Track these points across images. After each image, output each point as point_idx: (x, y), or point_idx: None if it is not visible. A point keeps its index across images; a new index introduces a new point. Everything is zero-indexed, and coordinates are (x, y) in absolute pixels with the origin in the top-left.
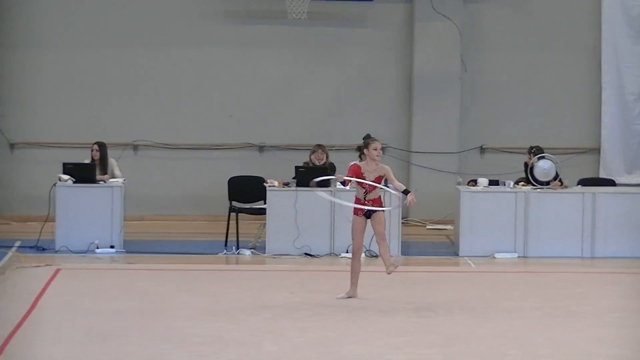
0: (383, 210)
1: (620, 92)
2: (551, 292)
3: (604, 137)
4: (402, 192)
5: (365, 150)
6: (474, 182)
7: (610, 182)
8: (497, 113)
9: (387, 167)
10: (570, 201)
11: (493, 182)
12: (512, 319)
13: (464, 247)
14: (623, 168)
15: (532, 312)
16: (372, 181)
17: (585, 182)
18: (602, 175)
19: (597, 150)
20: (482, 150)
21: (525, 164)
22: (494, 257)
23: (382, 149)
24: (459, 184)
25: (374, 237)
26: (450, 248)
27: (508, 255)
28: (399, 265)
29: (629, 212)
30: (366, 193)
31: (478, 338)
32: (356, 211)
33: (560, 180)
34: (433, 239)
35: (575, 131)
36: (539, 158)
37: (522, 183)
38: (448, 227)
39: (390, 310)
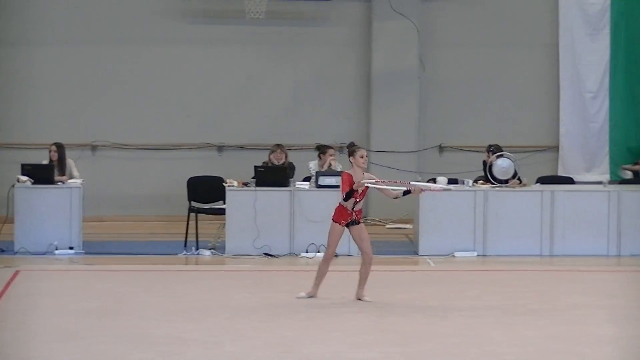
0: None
1: (578, 90)
2: (510, 290)
3: (563, 135)
4: (403, 194)
5: (351, 159)
6: (433, 181)
7: (569, 180)
8: (455, 111)
9: (372, 175)
10: (529, 199)
11: (452, 181)
12: (471, 317)
13: (423, 246)
14: (582, 166)
15: (492, 311)
16: (362, 190)
17: (544, 180)
18: (561, 173)
19: (555, 149)
20: (441, 148)
21: (484, 163)
22: (454, 256)
23: (366, 156)
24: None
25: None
26: (409, 247)
27: (467, 254)
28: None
29: (587, 210)
30: (355, 203)
31: (438, 337)
32: (338, 219)
33: (519, 179)
34: (393, 238)
35: (534, 129)
36: (498, 156)
37: (481, 181)
38: (408, 226)
39: (349, 309)
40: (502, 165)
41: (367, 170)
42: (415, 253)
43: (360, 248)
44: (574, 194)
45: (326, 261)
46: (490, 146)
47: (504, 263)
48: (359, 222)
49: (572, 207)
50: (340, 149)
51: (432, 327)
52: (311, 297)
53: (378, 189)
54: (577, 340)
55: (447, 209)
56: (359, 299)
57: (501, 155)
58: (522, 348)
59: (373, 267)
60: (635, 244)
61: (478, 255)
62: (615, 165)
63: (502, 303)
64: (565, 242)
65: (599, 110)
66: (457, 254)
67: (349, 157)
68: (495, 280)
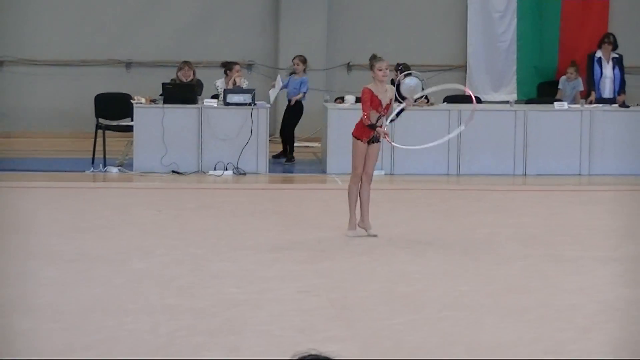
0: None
1: (486, 9)
2: (418, 210)
3: (470, 54)
4: (396, 113)
5: (371, 72)
6: (341, 100)
7: (476, 99)
8: (364, 30)
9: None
10: (436, 118)
11: (359, 100)
12: (373, 238)
13: (331, 164)
14: (489, 85)
15: (395, 229)
16: (387, 104)
17: (450, 100)
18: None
19: (463, 68)
20: (350, 67)
21: (392, 81)
22: None
23: (387, 68)
24: (326, 101)
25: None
26: (317, 165)
27: (375, 172)
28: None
29: (494, 129)
30: (379, 118)
31: (345, 254)
32: (360, 134)
33: (426, 98)
34: (300, 157)
35: (442, 48)
36: (406, 75)
37: None
38: (315, 144)
39: (259, 228)
40: (409, 84)
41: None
42: (323, 171)
43: (364, 166)
44: (481, 113)
45: (355, 183)
46: (398, 64)
47: (410, 182)
48: (378, 141)
49: (479, 126)
50: (248, 66)
51: (339, 245)
52: (353, 232)
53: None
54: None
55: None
56: (364, 229)
57: (409, 74)
58: (427, 274)
59: (280, 185)
60: (541, 164)
61: (386, 173)
62: (522, 84)
63: (408, 225)
64: (472, 161)
65: (507, 29)
66: None
67: (370, 70)
68: (402, 199)
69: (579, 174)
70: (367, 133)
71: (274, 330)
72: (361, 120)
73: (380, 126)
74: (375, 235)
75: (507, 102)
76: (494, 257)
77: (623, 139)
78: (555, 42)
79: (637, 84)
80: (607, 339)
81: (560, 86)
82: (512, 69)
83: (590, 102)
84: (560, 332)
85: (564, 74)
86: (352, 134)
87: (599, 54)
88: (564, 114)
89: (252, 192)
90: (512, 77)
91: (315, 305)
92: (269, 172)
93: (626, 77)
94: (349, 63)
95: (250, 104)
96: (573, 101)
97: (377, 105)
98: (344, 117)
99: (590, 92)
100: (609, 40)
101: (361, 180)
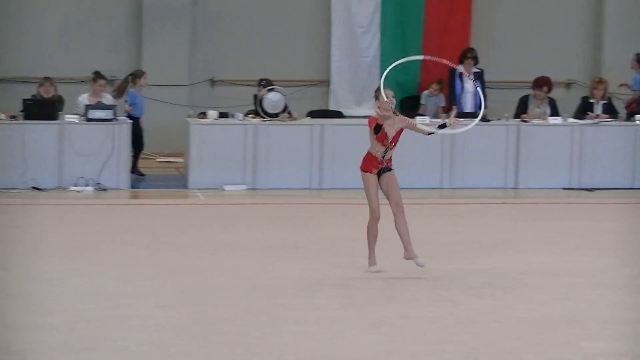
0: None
1: (349, 25)
2: (281, 224)
3: (334, 69)
4: (439, 126)
5: (377, 104)
6: (203, 115)
7: (338, 114)
8: (227, 45)
9: (406, 118)
10: (299, 133)
11: (223, 115)
12: (235, 252)
13: (193, 179)
14: (352, 100)
15: (261, 243)
16: (393, 136)
17: (314, 114)
18: (332, 107)
19: (327, 83)
20: (213, 82)
21: (255, 96)
22: (223, 189)
23: (393, 96)
24: (189, 116)
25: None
26: (180, 181)
27: (237, 187)
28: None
29: (354, 143)
30: (386, 151)
31: (201, 270)
32: (367, 167)
33: (289, 112)
34: (163, 172)
35: (306, 64)
36: (269, 90)
37: (252, 115)
38: (178, 159)
39: (119, 244)
40: (272, 99)
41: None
42: (186, 187)
43: (389, 198)
44: (343, 127)
45: (373, 219)
46: (261, 80)
47: (273, 196)
48: (390, 169)
49: (341, 140)
50: (111, 81)
51: (196, 260)
52: (375, 267)
53: (410, 128)
54: (351, 270)
55: (217, 143)
56: (409, 259)
57: (272, 89)
58: (279, 281)
59: (142, 201)
60: (399, 176)
61: (248, 188)
62: None
63: (268, 237)
64: (335, 175)
65: (370, 45)
66: (226, 187)
67: (375, 102)
68: (264, 214)
69: (441, 187)
70: (375, 165)
71: (130, 346)
72: (368, 153)
73: (387, 159)
74: (422, 265)
75: (369, 116)
76: (353, 268)
77: (484, 152)
78: None
79: (498, 99)
80: (463, 350)
81: (422, 101)
82: (376, 83)
83: None
84: (416, 345)
85: (426, 89)
86: (360, 168)
87: (460, 68)
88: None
89: (112, 207)
90: None
91: (173, 320)
92: (131, 187)
93: (487, 91)
94: (212, 78)
95: (112, 120)
96: (435, 115)
97: (383, 139)
98: (207, 132)
99: (451, 106)
100: (471, 55)
101: (394, 214)
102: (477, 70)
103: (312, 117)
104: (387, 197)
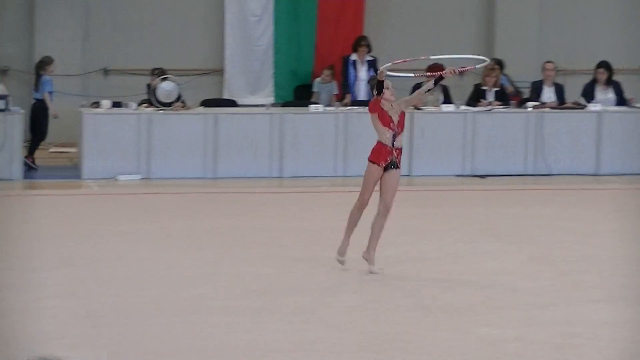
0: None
1: (242, 13)
2: (176, 212)
3: (227, 58)
4: (435, 81)
5: (378, 99)
6: (97, 104)
7: (232, 103)
8: (121, 34)
9: (404, 99)
10: (193, 122)
11: (116, 104)
12: (130, 243)
13: (87, 169)
14: (246, 89)
15: (158, 233)
16: (398, 121)
17: (207, 104)
18: (226, 96)
19: (220, 72)
20: (106, 72)
21: (149, 86)
22: (117, 179)
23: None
24: (82, 106)
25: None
26: (73, 171)
27: (131, 177)
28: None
29: (248, 132)
30: (394, 137)
31: (95, 260)
32: (376, 158)
33: (182, 102)
34: (56, 162)
35: (199, 52)
36: (162, 79)
37: (146, 105)
38: (72, 150)
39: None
40: (166, 88)
41: None
42: (79, 177)
43: (381, 196)
44: (237, 116)
45: (359, 209)
46: (154, 69)
47: (167, 186)
48: (398, 167)
49: (235, 129)
50: (3, 71)
51: (89, 251)
52: (341, 258)
53: (413, 103)
54: (266, 263)
55: (111, 132)
56: (366, 260)
57: (165, 78)
58: (207, 269)
59: (36, 191)
60: (297, 166)
61: (142, 178)
62: (279, 88)
63: (167, 226)
64: (230, 164)
65: (264, 33)
66: (120, 177)
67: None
68: (158, 203)
69: (334, 176)
70: (384, 155)
71: (22, 337)
72: (378, 142)
73: (397, 149)
74: (376, 273)
75: (263, 105)
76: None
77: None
78: (311, 45)
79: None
80: (359, 337)
81: (315, 89)
82: (269, 72)
83: (346, 105)
84: (308, 330)
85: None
86: (368, 159)
87: (354, 56)
88: (319, 116)
89: (2, 199)
90: (269, 80)
91: (70, 311)
92: (24, 178)
93: None
94: (105, 68)
95: (4, 110)
96: (328, 104)
97: (389, 122)
98: (100, 121)
99: (345, 94)
100: (365, 43)
101: (378, 210)
102: (371, 58)
103: (206, 106)
104: (380, 194)
